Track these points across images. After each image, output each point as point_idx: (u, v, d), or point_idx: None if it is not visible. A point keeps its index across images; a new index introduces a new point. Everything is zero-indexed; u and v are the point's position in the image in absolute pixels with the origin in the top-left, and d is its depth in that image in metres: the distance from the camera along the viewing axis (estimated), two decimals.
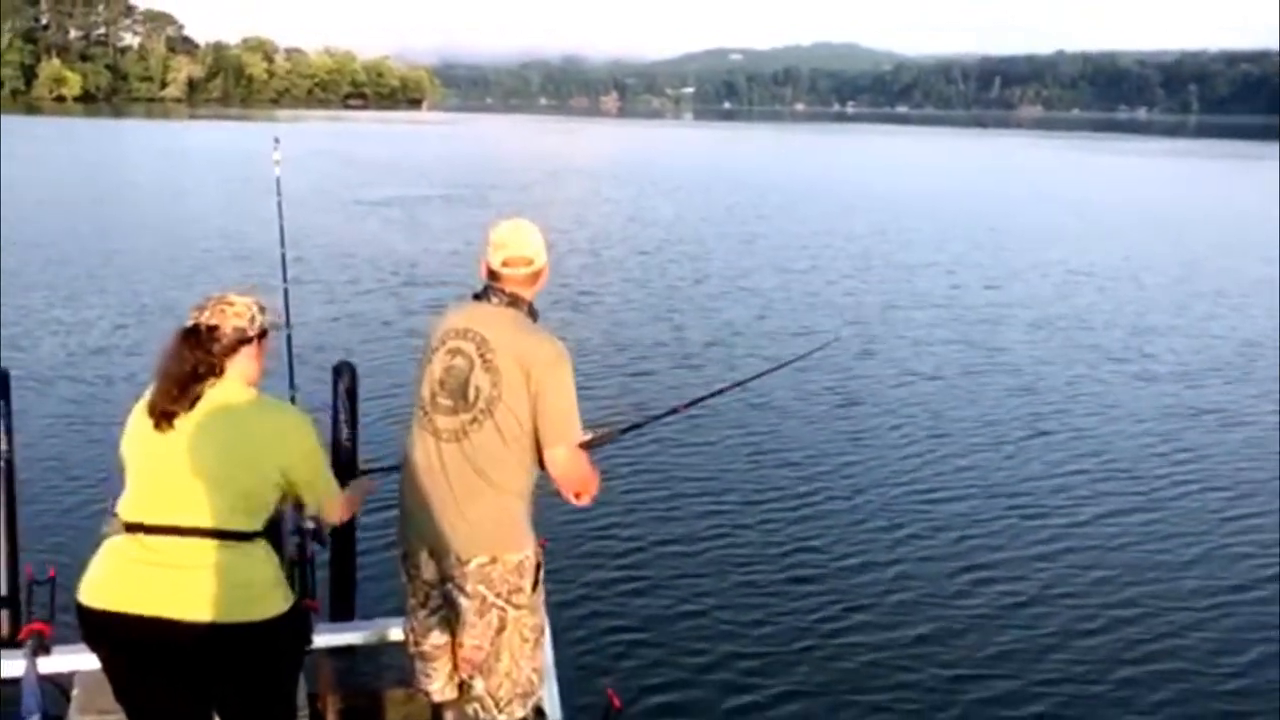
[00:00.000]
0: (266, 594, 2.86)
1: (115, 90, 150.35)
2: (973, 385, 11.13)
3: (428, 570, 3.28)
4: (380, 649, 3.89)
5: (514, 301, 3.29)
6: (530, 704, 3.34)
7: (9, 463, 3.90)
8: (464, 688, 3.35)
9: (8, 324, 12.15)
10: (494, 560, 3.19)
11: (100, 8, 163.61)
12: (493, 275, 3.32)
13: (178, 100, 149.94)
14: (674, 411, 4.20)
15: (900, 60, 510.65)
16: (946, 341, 13.10)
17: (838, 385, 10.88)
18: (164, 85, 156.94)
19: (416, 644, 3.42)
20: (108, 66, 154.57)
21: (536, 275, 3.35)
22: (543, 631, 3.38)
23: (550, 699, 3.45)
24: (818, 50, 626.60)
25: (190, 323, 2.92)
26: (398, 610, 3.59)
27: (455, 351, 3.23)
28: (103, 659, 2.89)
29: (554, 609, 3.58)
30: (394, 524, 3.49)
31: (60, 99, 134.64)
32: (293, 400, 4.03)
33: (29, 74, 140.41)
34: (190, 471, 2.80)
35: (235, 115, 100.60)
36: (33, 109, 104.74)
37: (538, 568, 3.29)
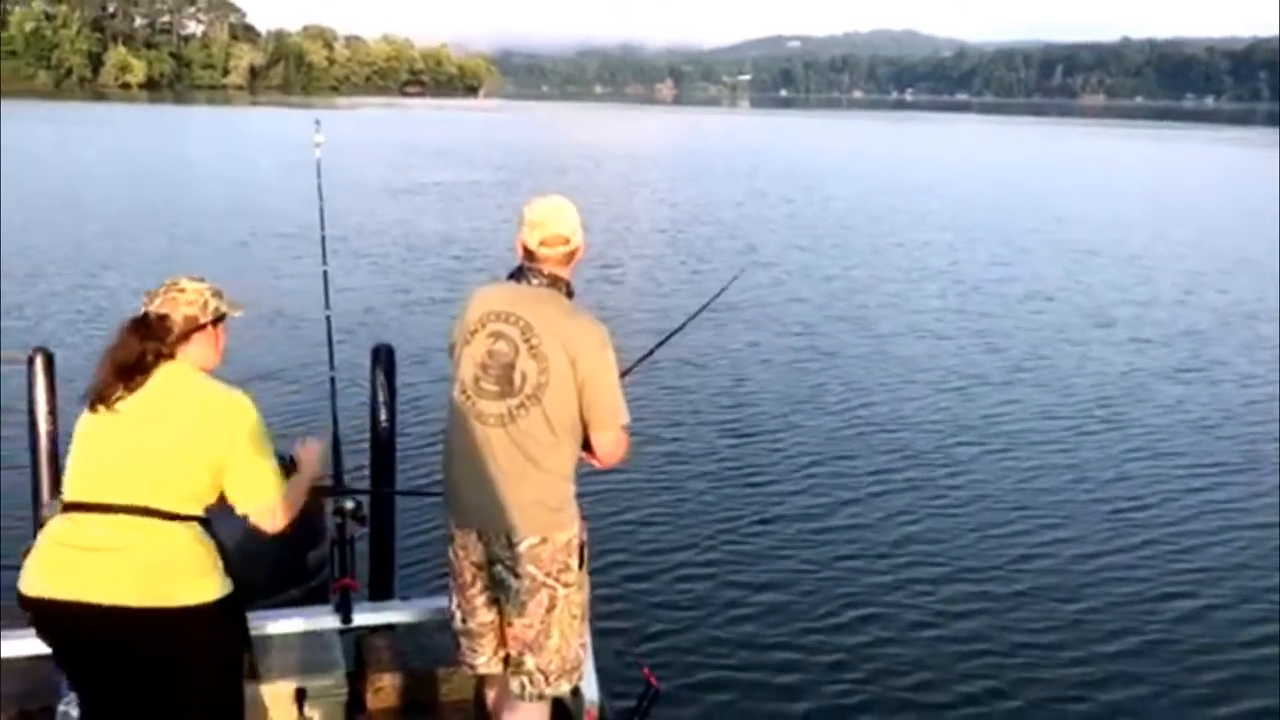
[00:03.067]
0: (193, 580, 2.77)
1: (179, 77, 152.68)
2: (1009, 374, 11.07)
3: (475, 552, 3.27)
4: (419, 628, 3.90)
5: (553, 282, 3.24)
6: (575, 678, 3.34)
7: (54, 441, 3.95)
8: (509, 662, 3.34)
9: (51, 303, 12.45)
10: (544, 541, 3.19)
11: None
12: (529, 255, 3.25)
13: (239, 87, 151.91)
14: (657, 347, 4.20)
15: (961, 47, 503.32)
16: (958, 327, 13.17)
17: (889, 368, 11.01)
18: (226, 73, 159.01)
19: (463, 621, 3.39)
20: (172, 54, 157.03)
21: (573, 254, 3.29)
22: (588, 608, 3.37)
23: (589, 678, 3.44)
24: (877, 37, 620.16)
25: (141, 310, 2.87)
26: (436, 589, 3.58)
27: (498, 335, 3.19)
28: (49, 646, 2.86)
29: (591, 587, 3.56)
30: (432, 505, 3.47)
31: (125, 86, 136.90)
32: (331, 383, 4.01)
33: (96, 61, 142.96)
34: (122, 450, 2.76)
35: (295, 102, 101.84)
36: (99, 96, 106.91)
37: (583, 545, 3.29)
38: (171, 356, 2.83)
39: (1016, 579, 6.30)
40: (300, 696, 3.54)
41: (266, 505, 2.88)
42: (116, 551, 2.70)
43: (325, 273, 4.40)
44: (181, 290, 2.90)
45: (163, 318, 2.84)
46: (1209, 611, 6.00)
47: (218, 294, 2.96)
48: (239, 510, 2.88)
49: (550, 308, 3.20)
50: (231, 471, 2.82)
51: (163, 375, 2.80)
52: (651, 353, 4.24)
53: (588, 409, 3.18)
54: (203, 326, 2.89)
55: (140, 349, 2.78)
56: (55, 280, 13.90)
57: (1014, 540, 6.86)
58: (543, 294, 3.23)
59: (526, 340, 3.16)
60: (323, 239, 4.36)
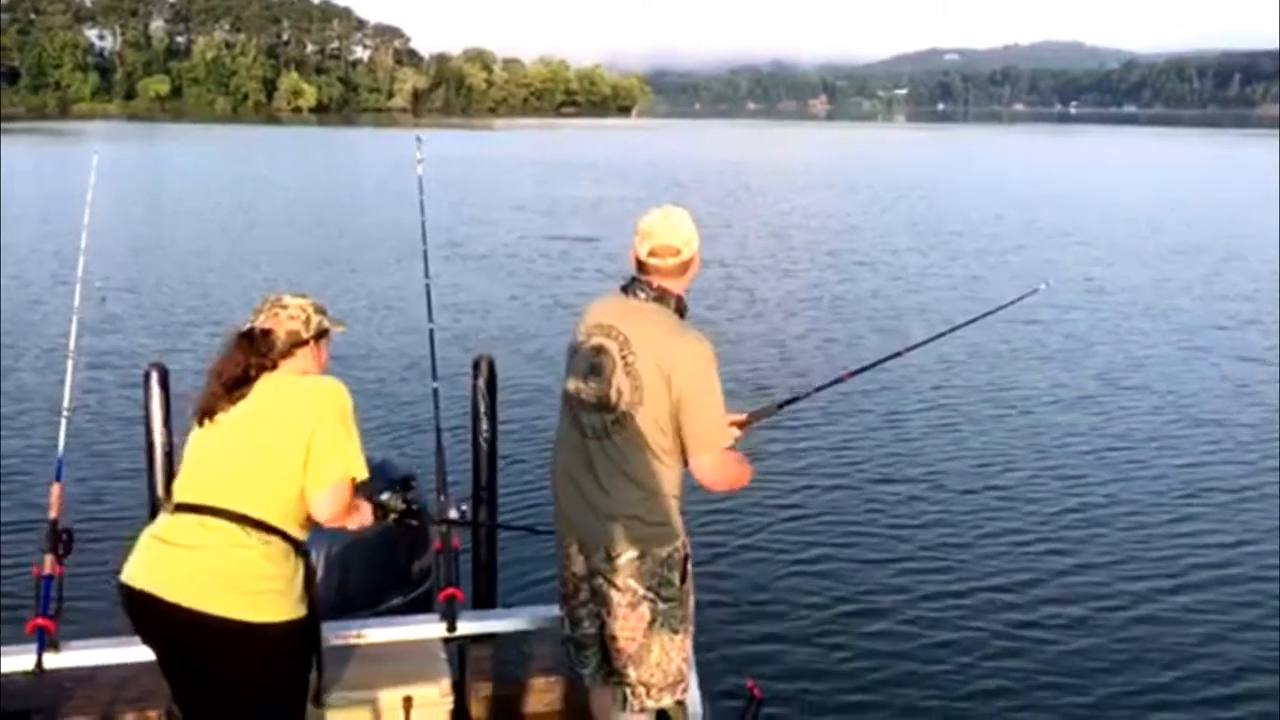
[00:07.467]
0: (264, 596, 2.76)
1: (346, 101, 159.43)
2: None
3: (577, 563, 3.26)
4: (522, 637, 3.89)
5: (661, 296, 3.17)
6: (679, 691, 3.29)
7: (168, 451, 4.10)
8: (612, 673, 3.31)
9: (162, 320, 13.04)
10: (643, 555, 3.15)
11: (335, 23, 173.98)
12: (640, 266, 3.19)
13: (403, 110, 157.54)
14: (838, 381, 3.96)
15: (1129, 58, 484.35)
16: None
17: (1002, 373, 10.95)
18: (391, 95, 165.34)
19: (570, 630, 3.39)
20: (340, 79, 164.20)
21: (685, 265, 3.19)
22: (691, 622, 3.31)
23: (692, 689, 3.38)
24: (1039, 49, 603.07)
25: (246, 326, 2.93)
26: (539, 598, 3.58)
27: (599, 349, 3.16)
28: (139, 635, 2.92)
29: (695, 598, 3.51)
30: (533, 515, 3.47)
31: (297, 110, 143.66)
32: (435, 395, 4.05)
33: (270, 87, 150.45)
34: (222, 454, 2.81)
35: (456, 124, 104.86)
36: (272, 119, 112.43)
37: (685, 560, 3.24)
38: (274, 368, 2.89)
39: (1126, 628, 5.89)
40: (408, 704, 3.57)
41: (337, 478, 2.84)
42: (191, 549, 2.74)
43: (428, 286, 4.46)
44: (284, 306, 2.95)
45: (267, 333, 2.89)
46: None
47: (320, 310, 3.01)
48: (315, 489, 2.81)
49: (652, 323, 3.14)
50: (314, 447, 2.80)
51: (264, 383, 2.86)
52: (883, 360, 4.08)
53: (683, 430, 3.10)
54: (305, 342, 2.94)
55: (245, 364, 2.85)
56: (193, 290, 14.65)
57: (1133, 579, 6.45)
58: (647, 308, 3.17)
59: (623, 356, 3.12)
60: (424, 254, 4.42)
